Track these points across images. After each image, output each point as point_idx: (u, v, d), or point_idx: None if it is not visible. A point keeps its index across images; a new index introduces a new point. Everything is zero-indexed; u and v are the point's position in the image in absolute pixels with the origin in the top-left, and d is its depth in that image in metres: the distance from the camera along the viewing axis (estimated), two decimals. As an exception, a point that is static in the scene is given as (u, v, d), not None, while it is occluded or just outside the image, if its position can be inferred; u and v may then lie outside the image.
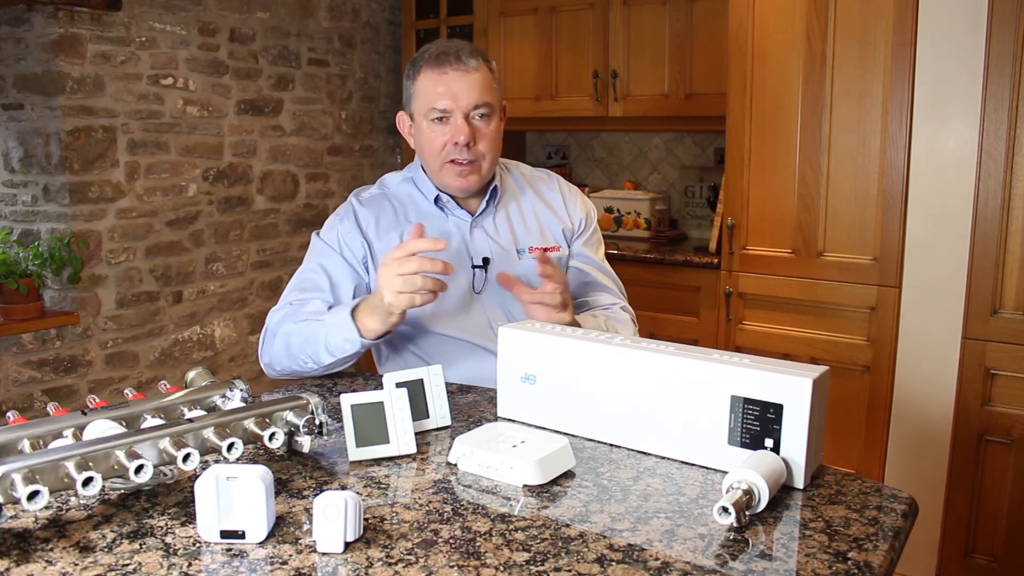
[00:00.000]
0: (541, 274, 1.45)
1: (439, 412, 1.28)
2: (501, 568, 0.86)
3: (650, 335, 2.99)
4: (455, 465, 1.13)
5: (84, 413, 1.06)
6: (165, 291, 3.24)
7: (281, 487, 1.06)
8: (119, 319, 3.09)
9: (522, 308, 1.63)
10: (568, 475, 1.11)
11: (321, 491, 1.02)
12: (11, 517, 0.96)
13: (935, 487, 2.46)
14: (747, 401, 1.08)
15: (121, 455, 0.95)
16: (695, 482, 1.09)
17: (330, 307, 1.53)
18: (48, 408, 1.08)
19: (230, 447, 1.02)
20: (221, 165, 3.40)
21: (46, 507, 0.98)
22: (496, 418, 1.33)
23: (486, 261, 1.63)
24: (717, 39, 3.04)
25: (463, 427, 1.29)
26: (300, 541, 0.92)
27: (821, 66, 2.57)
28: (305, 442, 1.12)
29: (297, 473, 1.11)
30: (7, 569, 0.85)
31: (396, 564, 0.87)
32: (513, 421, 1.30)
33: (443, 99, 1.54)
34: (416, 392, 1.26)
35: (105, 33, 2.94)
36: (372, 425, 1.15)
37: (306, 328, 1.48)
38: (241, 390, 1.18)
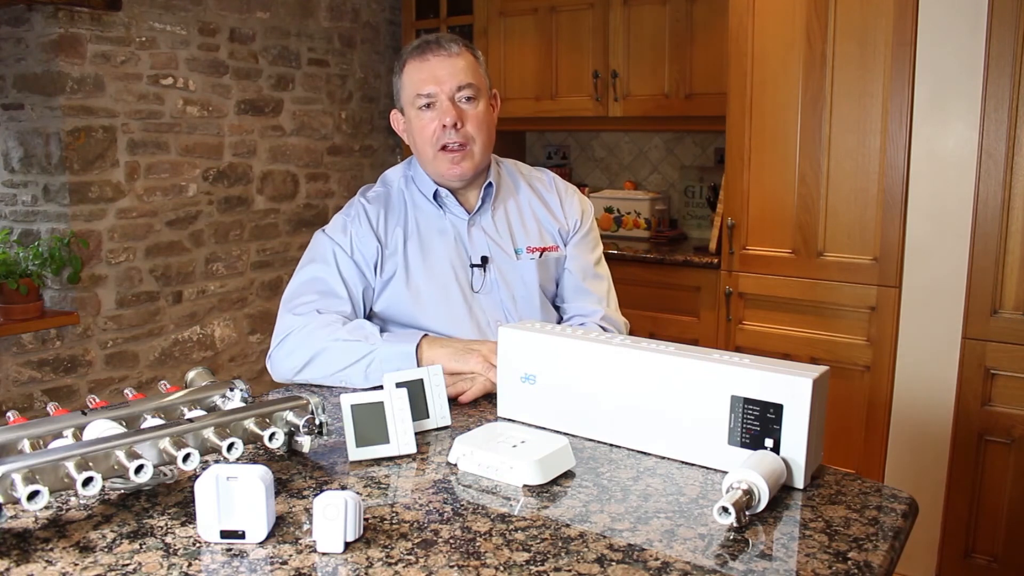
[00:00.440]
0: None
1: (439, 412, 1.28)
2: (501, 568, 0.86)
3: (650, 335, 2.99)
4: (455, 465, 1.13)
5: (84, 413, 1.06)
6: (165, 291, 3.24)
7: (281, 487, 1.06)
8: (119, 319, 3.09)
9: (521, 307, 1.64)
10: (568, 475, 1.11)
11: (321, 491, 1.02)
12: (11, 517, 0.96)
13: (935, 487, 2.46)
14: (747, 401, 1.08)
15: (121, 455, 0.95)
16: (695, 482, 1.09)
17: (346, 319, 1.52)
18: (48, 408, 1.08)
19: (230, 447, 1.02)
20: (221, 165, 3.40)
21: (46, 507, 0.98)
22: (496, 418, 1.33)
23: (484, 260, 1.63)
24: (717, 39, 3.04)
25: (463, 427, 1.29)
26: (300, 541, 0.92)
27: (821, 66, 2.57)
28: (305, 442, 1.12)
29: (297, 473, 1.11)
30: (7, 569, 0.85)
31: (396, 564, 0.87)
32: (513, 421, 1.30)
33: (427, 84, 1.56)
34: (416, 392, 1.26)
35: (105, 33, 2.94)
36: (372, 425, 1.15)
37: (344, 349, 1.45)
38: (241, 390, 1.18)
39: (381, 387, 1.23)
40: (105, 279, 3.03)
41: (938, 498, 2.45)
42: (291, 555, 0.89)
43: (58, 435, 1.02)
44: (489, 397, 1.42)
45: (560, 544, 0.92)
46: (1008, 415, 2.33)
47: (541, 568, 0.87)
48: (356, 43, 3.96)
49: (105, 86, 2.95)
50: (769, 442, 1.07)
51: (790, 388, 1.05)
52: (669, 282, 3.10)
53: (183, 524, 0.95)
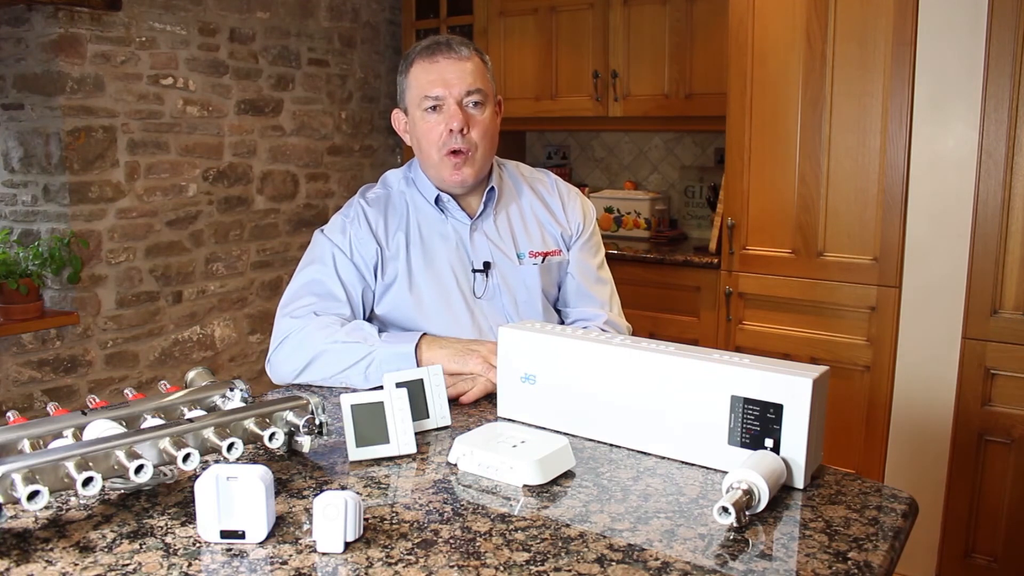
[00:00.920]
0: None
1: (439, 412, 1.28)
2: (501, 568, 0.86)
3: (650, 335, 2.99)
4: (455, 465, 1.13)
5: (84, 413, 1.06)
6: (165, 291, 3.24)
7: (281, 487, 1.06)
8: (119, 319, 3.09)
9: (524, 311, 1.64)
10: (568, 475, 1.11)
11: (321, 491, 1.02)
12: (11, 517, 0.96)
13: (935, 487, 2.46)
14: (747, 401, 1.08)
15: (121, 455, 0.95)
16: (695, 482, 1.09)
17: (345, 321, 1.52)
18: (48, 408, 1.08)
19: (230, 447, 1.02)
20: (221, 165, 3.40)
21: (46, 507, 0.98)
22: (496, 418, 1.33)
23: (487, 265, 1.62)
24: (717, 39, 3.04)
25: (463, 427, 1.29)
26: (300, 541, 0.92)
27: (821, 66, 2.57)
28: (305, 442, 1.12)
29: (297, 473, 1.11)
30: (7, 569, 0.85)
31: (396, 564, 0.87)
32: (513, 421, 1.30)
33: (435, 86, 1.54)
34: (416, 392, 1.26)
35: (105, 33, 2.94)
36: (372, 425, 1.15)
37: (343, 351, 1.45)
38: (241, 390, 1.18)
39: (381, 387, 1.23)
40: (105, 279, 3.03)
41: (938, 498, 2.45)
42: (291, 555, 0.89)
43: (58, 435, 1.02)
44: (489, 397, 1.42)
45: (560, 544, 0.92)
46: (1008, 415, 2.33)
47: (541, 568, 0.87)
48: (356, 43, 3.96)
49: (105, 86, 2.95)
50: (769, 442, 1.07)
51: (790, 388, 1.05)
52: (669, 282, 3.10)
53: (183, 524, 0.95)
